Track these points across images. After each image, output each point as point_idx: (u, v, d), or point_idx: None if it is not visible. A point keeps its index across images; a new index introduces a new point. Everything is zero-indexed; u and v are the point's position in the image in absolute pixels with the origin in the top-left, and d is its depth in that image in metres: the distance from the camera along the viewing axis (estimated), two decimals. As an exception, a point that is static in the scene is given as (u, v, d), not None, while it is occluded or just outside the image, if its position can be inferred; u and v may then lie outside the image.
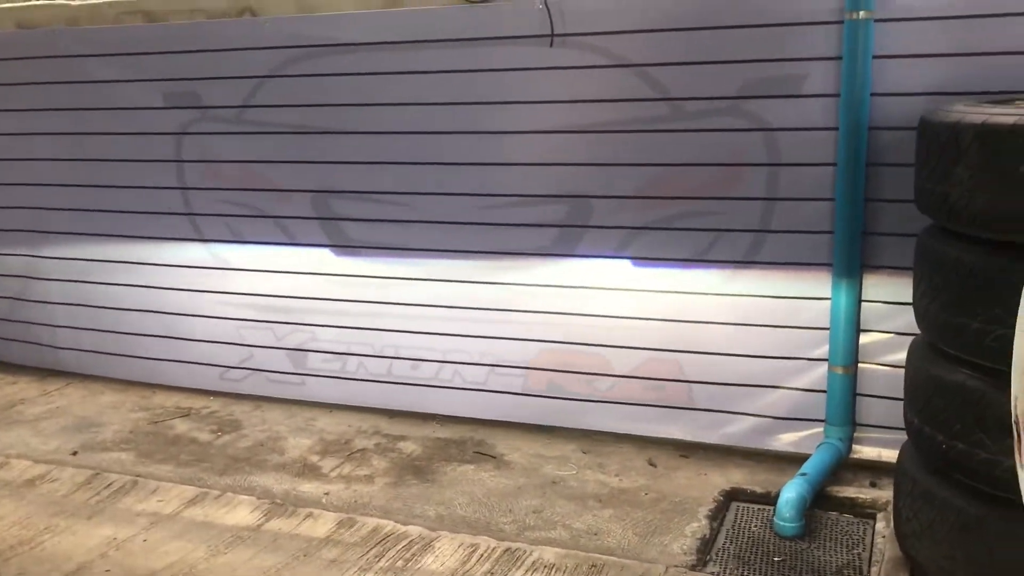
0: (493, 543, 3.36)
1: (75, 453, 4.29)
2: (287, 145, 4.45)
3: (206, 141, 4.61)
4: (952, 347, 2.72)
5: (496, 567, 3.21)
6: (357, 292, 4.52)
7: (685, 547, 3.34)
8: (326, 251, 4.54)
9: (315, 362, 4.70)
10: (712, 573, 3.20)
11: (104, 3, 4.67)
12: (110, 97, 4.73)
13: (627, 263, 4.05)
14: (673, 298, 4.01)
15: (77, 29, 4.73)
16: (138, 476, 3.99)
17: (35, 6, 4.83)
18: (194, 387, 4.96)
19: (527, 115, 4.02)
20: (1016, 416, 1.82)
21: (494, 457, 4.12)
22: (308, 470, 4.05)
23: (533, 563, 3.23)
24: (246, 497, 3.77)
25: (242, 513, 3.65)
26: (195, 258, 4.81)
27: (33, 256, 5.21)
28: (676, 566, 3.21)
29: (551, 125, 3.99)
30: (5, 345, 5.43)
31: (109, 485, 3.92)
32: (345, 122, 4.31)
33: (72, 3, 4.75)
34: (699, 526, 3.49)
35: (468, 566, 3.23)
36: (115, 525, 3.59)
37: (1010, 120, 2.48)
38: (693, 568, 3.21)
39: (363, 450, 4.23)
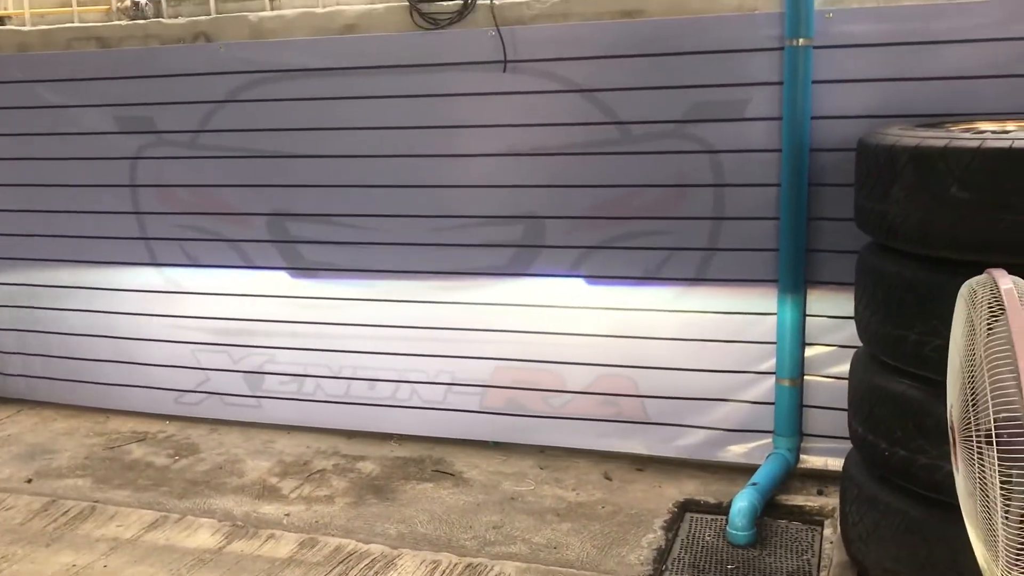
0: (455, 559, 3.42)
1: (30, 480, 4.25)
2: (242, 169, 4.48)
3: (161, 166, 4.62)
4: (892, 358, 2.86)
5: (459, 583, 3.28)
6: (314, 314, 4.56)
7: (642, 557, 3.43)
8: (283, 273, 4.57)
9: (272, 384, 4.72)
10: (669, 582, 3.30)
11: (55, 29, 4.67)
12: (62, 122, 4.72)
13: (581, 281, 4.15)
14: (626, 315, 4.12)
15: (27, 55, 4.72)
16: (96, 502, 3.97)
17: (-16, 31, 4.80)
18: (149, 412, 4.94)
19: (481, 138, 4.12)
20: (952, 422, 1.95)
21: (453, 475, 4.18)
22: (268, 492, 4.07)
23: (495, 577, 3.30)
24: (207, 520, 3.77)
25: (203, 536, 3.66)
26: (149, 282, 4.80)
27: (-18, 282, 5.16)
28: (632, 572, 3.30)
29: (504, 148, 4.09)
30: (-47, 373, 5.35)
31: (66, 512, 3.90)
32: (300, 146, 4.36)
33: (23, 29, 4.74)
34: (655, 537, 3.58)
35: (431, 582, 3.29)
36: (75, 551, 3.57)
37: (941, 143, 2.63)
38: (650, 578, 3.31)
39: (322, 471, 4.26)
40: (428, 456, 4.37)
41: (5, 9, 4.92)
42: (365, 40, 4.18)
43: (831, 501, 3.70)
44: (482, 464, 4.26)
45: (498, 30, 3.94)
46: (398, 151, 4.22)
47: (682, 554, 3.49)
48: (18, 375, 5.22)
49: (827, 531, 3.58)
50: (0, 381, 5.27)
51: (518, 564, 3.37)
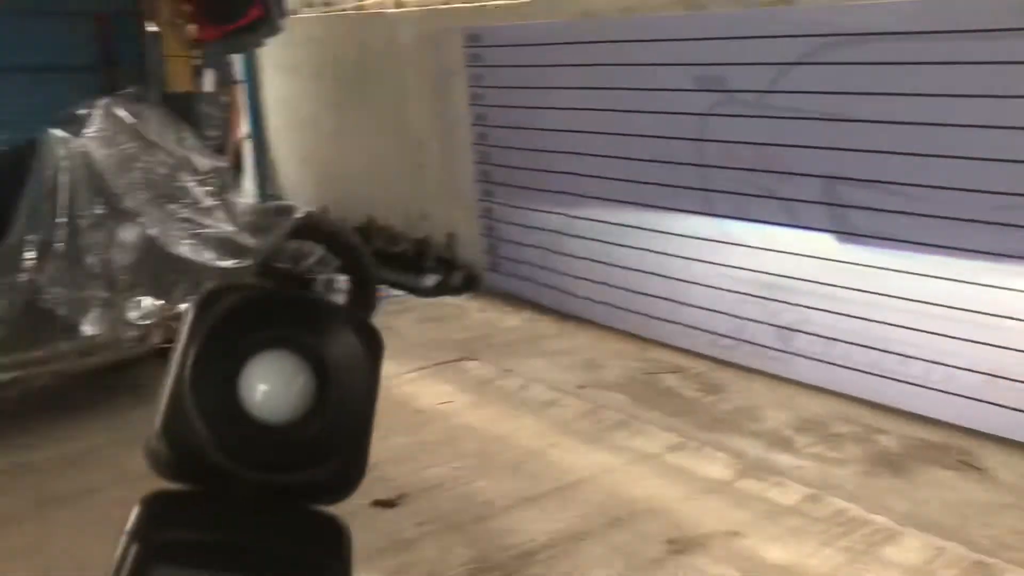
0: (963, 551, 3.27)
1: (581, 387, 4.95)
2: (801, 130, 4.59)
3: (727, 123, 4.93)
4: None
5: (963, 576, 3.13)
6: (853, 280, 4.54)
7: None
8: (827, 235, 4.62)
9: (802, 343, 4.83)
10: None
11: (654, -6, 5.21)
12: (646, 79, 5.26)
13: None
14: None
15: (626, 18, 5.33)
16: (630, 416, 4.50)
17: (597, -3, 5.53)
18: (686, 348, 5.37)
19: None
20: None
21: (979, 469, 3.92)
22: (781, 442, 4.22)
23: (1007, 582, 3.09)
24: (721, 454, 4.07)
25: (716, 468, 3.96)
26: (702, 230, 5.19)
27: (566, 215, 6.01)
28: None
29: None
30: (537, 289, 6.35)
31: (605, 420, 4.48)
32: (860, 110, 4.34)
33: (628, -6, 5.37)
34: None
35: (932, 566, 3.19)
36: (606, 454, 4.12)
37: None
38: None
39: (838, 435, 4.28)
40: (954, 445, 4.14)
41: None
42: (946, 4, 3.98)
43: None
44: (1017, 467, 3.93)
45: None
46: (963, 121, 3.98)
47: None
48: (583, 297, 6.02)
49: None
50: (570, 301, 6.13)
51: (1038, 577, 3.11)
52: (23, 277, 4.47)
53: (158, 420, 0.52)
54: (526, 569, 3.29)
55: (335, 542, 0.50)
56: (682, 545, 3.38)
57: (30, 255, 4.49)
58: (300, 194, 8.49)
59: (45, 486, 4.08)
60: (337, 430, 0.47)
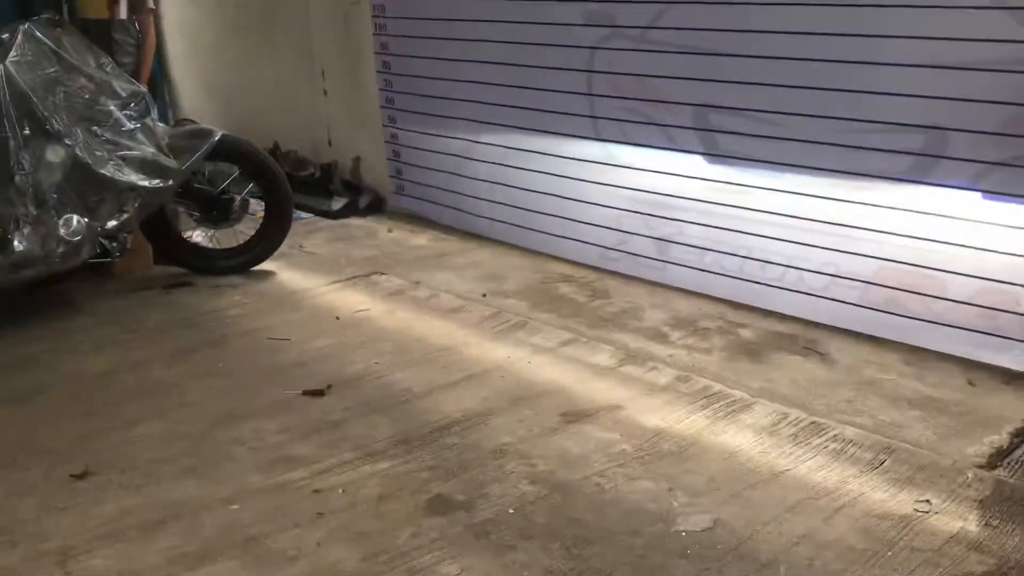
0: (803, 415, 3.97)
1: (484, 295, 5.49)
2: (678, 63, 5.16)
3: (613, 56, 5.47)
4: None
5: (800, 433, 3.83)
6: (722, 196, 5.19)
7: (979, 452, 3.71)
8: (699, 158, 5.24)
9: (678, 252, 5.48)
10: (998, 476, 3.55)
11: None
12: (542, 14, 5.73)
13: (977, 196, 4.30)
14: (1020, 234, 4.21)
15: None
16: (528, 318, 5.08)
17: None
18: (578, 260, 5.97)
19: (898, 49, 4.37)
20: None
21: (821, 354, 4.65)
22: (658, 336, 4.88)
23: (834, 436, 3.80)
24: (607, 347, 4.69)
25: (603, 357, 4.58)
26: (591, 154, 5.75)
27: (470, 140, 6.47)
28: (964, 462, 3.62)
29: (918, 59, 4.31)
30: (441, 210, 6.83)
31: (507, 321, 5.05)
32: (731, 45, 4.93)
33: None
34: (999, 439, 3.81)
35: (777, 427, 3.89)
36: (509, 348, 4.69)
37: None
38: (980, 468, 3.59)
39: (706, 329, 4.97)
40: (802, 335, 4.86)
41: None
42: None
43: None
44: (851, 351, 4.67)
45: (931, -55, 4.12)
46: (817, 55, 4.61)
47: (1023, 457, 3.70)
48: (485, 217, 6.54)
49: None
50: (472, 221, 6.63)
51: (859, 431, 3.83)
52: (-45, 195, 4.70)
53: None
54: (443, 439, 3.84)
55: None
56: (574, 417, 4.00)
57: (-40, 174, 4.71)
58: (204, 121, 8.68)
59: (-9, 389, 4.41)
60: None
